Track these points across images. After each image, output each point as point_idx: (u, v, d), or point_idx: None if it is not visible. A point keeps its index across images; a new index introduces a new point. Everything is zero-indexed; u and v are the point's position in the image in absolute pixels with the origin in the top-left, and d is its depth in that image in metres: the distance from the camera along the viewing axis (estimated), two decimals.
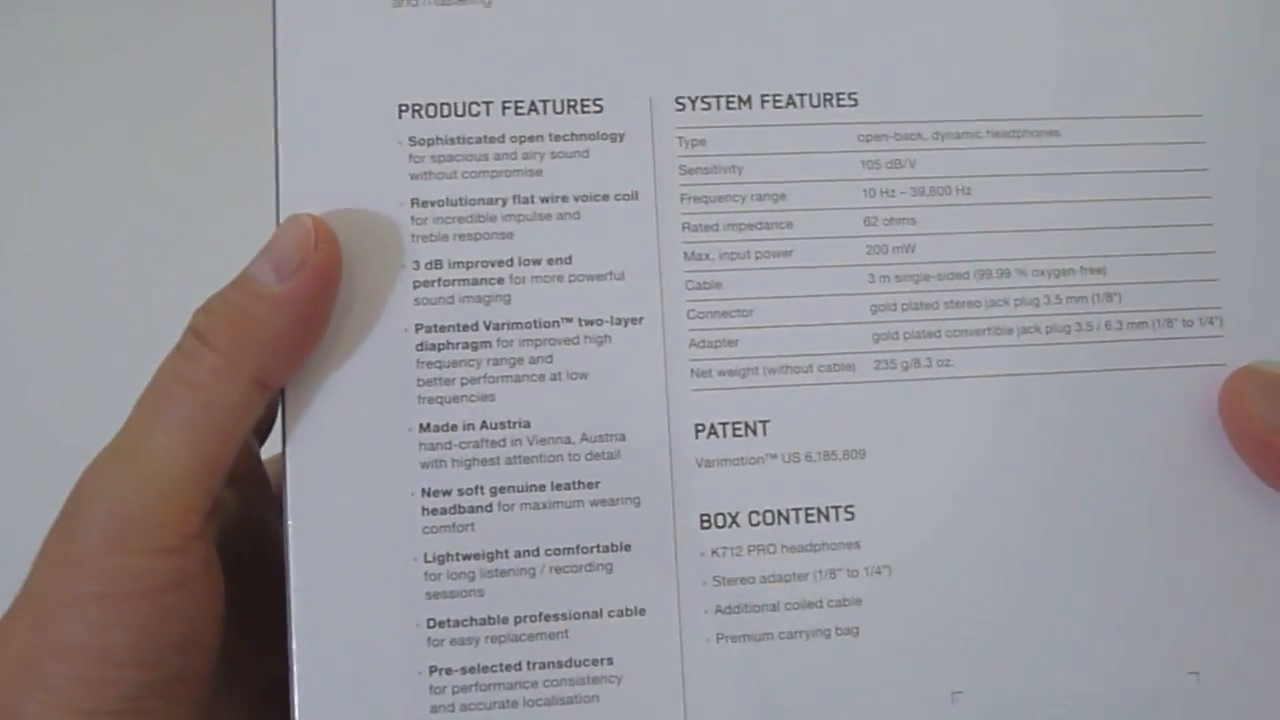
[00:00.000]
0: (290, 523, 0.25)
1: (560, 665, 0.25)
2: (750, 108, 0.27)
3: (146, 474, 0.24)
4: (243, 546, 0.28)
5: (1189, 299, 0.27)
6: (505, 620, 0.25)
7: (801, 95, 0.27)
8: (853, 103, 0.27)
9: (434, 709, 0.25)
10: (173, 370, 0.25)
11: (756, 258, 0.27)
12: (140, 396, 0.25)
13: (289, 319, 0.25)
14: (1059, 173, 0.27)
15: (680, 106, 0.27)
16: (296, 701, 0.25)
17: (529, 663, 0.25)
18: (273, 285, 0.25)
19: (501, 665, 0.25)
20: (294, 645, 0.25)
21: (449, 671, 0.25)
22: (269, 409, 0.26)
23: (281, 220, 0.26)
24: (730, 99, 0.27)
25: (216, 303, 0.25)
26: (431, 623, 0.25)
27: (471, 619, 0.25)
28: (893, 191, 0.27)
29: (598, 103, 0.27)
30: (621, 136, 0.27)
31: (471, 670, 0.25)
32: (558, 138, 0.27)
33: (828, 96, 0.27)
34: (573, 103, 0.27)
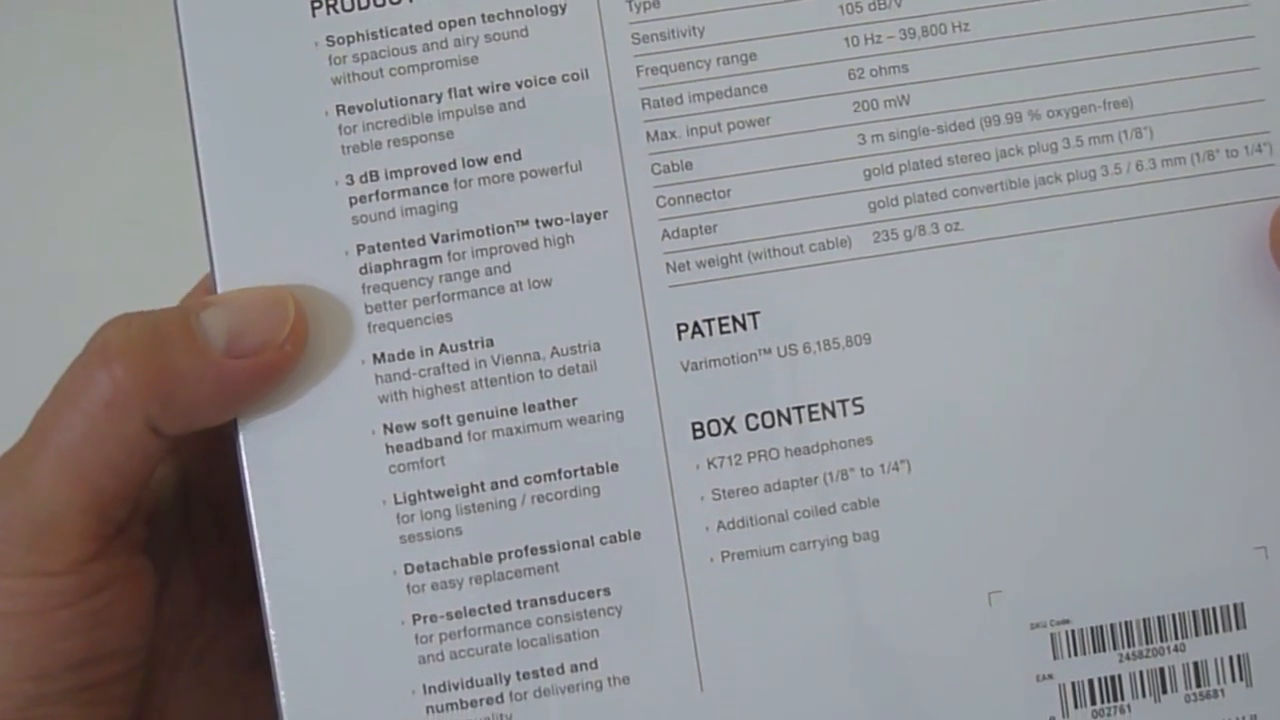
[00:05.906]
0: (248, 479, 0.23)
1: (553, 601, 0.23)
2: None
3: (27, 503, 0.21)
4: (194, 509, 0.26)
5: (1231, 126, 0.24)
6: (488, 558, 0.23)
7: None
8: None
9: (422, 659, 0.23)
10: (67, 388, 0.22)
11: (729, 130, 0.24)
12: (41, 406, 0.22)
13: (213, 394, 0.22)
14: None
15: None
16: (278, 671, 0.23)
17: (519, 601, 0.23)
18: (217, 348, 0.21)
19: (489, 607, 0.23)
20: (267, 609, 0.23)
21: (433, 619, 0.23)
22: None
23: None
24: None
25: (141, 327, 0.22)
26: (409, 568, 0.23)
27: (451, 560, 0.23)
28: (878, 36, 0.24)
29: None
30: (562, 8, 0.24)
31: (457, 615, 0.23)
32: (490, 18, 0.24)
33: None
34: None
